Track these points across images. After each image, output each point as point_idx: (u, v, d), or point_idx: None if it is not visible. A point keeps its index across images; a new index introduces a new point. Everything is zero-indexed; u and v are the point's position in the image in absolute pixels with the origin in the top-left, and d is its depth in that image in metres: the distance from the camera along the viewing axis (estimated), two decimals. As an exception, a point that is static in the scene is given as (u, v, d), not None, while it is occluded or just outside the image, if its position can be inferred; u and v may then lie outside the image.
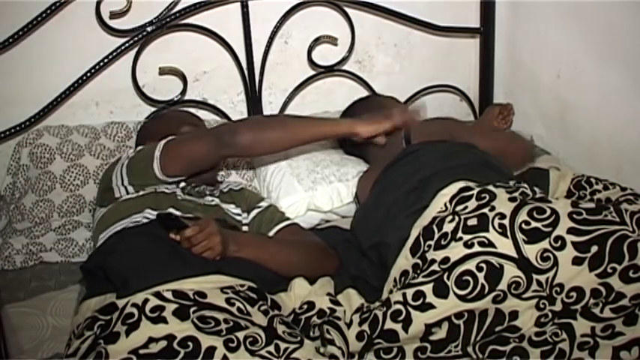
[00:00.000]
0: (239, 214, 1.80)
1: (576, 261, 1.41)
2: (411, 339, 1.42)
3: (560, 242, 1.42)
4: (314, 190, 2.03)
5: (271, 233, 1.76)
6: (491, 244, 1.44)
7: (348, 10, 2.36)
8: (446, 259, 1.45)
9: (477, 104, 2.63)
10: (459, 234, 1.48)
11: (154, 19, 2.16)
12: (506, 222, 1.47)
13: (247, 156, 1.93)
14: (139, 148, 1.79)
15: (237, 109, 2.40)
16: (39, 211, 1.99)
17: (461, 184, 1.61)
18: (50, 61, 2.14)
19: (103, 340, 1.29)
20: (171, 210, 1.63)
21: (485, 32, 2.53)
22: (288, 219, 1.82)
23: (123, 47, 2.14)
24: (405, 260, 1.56)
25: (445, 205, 1.58)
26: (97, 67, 2.13)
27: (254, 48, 2.29)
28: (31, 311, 1.70)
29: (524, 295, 1.40)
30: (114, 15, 2.11)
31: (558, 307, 1.41)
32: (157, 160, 1.67)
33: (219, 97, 2.38)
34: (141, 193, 1.68)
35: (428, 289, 1.42)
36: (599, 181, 1.76)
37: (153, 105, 2.26)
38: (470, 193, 1.57)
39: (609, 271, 1.40)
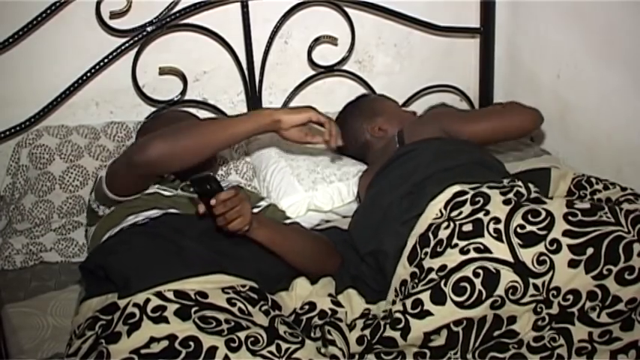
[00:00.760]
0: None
1: (572, 264, 1.41)
2: (409, 345, 1.43)
3: (555, 245, 1.42)
4: (314, 190, 2.03)
5: None
6: (487, 250, 1.44)
7: (348, 10, 2.36)
8: (443, 267, 1.45)
9: (477, 104, 2.63)
10: (455, 240, 1.48)
11: (154, 19, 2.16)
12: (501, 226, 1.46)
13: (166, 171, 1.62)
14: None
15: (237, 109, 2.40)
16: (39, 211, 1.99)
17: (455, 188, 1.60)
18: (50, 61, 2.14)
19: (105, 339, 1.29)
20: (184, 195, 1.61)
21: (485, 32, 2.53)
22: (288, 218, 1.82)
23: (123, 47, 2.14)
24: (403, 269, 1.55)
25: (440, 211, 1.57)
26: (97, 67, 2.13)
27: (254, 48, 2.29)
28: (31, 311, 1.70)
29: (522, 301, 1.40)
30: (114, 15, 2.11)
31: (555, 310, 1.41)
32: (104, 181, 1.62)
33: (219, 97, 2.38)
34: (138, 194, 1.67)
35: (425, 296, 1.42)
36: (600, 180, 1.76)
37: (153, 105, 2.26)
38: (464, 197, 1.56)
39: (605, 272, 1.39)
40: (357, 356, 1.45)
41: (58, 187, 2.01)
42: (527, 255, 1.42)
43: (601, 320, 1.39)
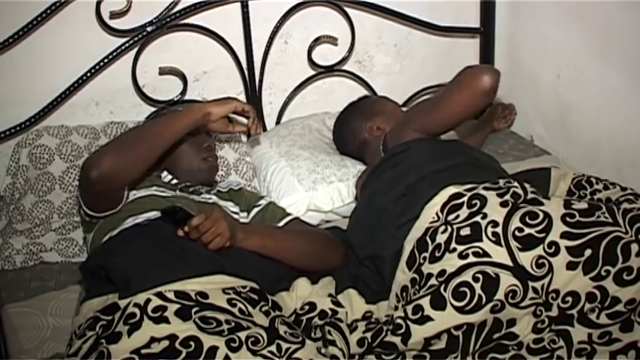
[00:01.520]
0: (236, 213, 1.80)
1: (570, 266, 1.41)
2: (410, 349, 1.43)
3: (554, 248, 1.42)
4: (314, 190, 2.03)
5: None
6: (485, 254, 1.44)
7: (348, 10, 2.36)
8: (442, 272, 1.45)
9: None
10: (453, 245, 1.48)
11: (154, 19, 2.16)
12: (499, 230, 1.46)
13: (122, 182, 1.59)
14: None
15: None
16: (39, 212, 1.99)
17: (451, 190, 1.59)
18: (50, 61, 2.14)
19: (105, 339, 1.29)
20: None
21: (485, 32, 2.53)
22: (289, 214, 1.82)
23: (123, 47, 2.14)
24: (402, 275, 1.55)
25: (437, 214, 1.57)
26: (97, 67, 2.13)
27: (254, 48, 2.29)
28: (32, 311, 1.70)
29: (522, 304, 1.40)
30: (114, 15, 2.10)
31: (554, 312, 1.41)
32: (81, 201, 1.64)
33: (219, 97, 2.37)
34: (137, 196, 1.68)
35: (425, 302, 1.42)
36: (600, 180, 1.76)
37: (153, 105, 2.26)
38: (461, 200, 1.56)
39: (603, 274, 1.40)
40: (357, 357, 1.45)
41: (57, 187, 2.01)
42: (526, 258, 1.41)
43: (600, 321, 1.40)
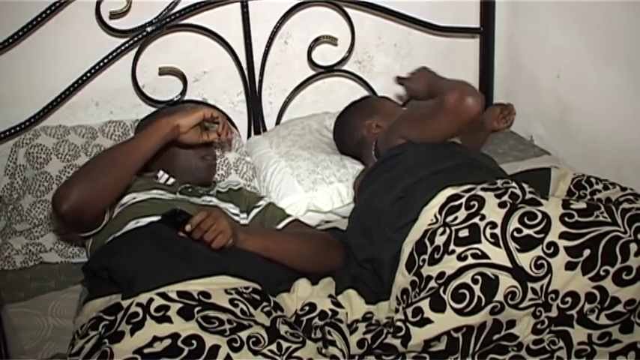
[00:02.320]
0: (237, 214, 1.80)
1: (569, 266, 1.41)
2: (409, 351, 1.43)
3: (552, 248, 1.42)
4: (314, 191, 2.03)
5: None
6: (484, 256, 1.44)
7: (348, 10, 2.36)
8: (441, 274, 1.45)
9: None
10: (451, 246, 1.47)
11: (154, 19, 2.16)
12: (497, 231, 1.46)
13: (94, 211, 1.55)
14: None
15: (237, 109, 2.40)
16: (37, 212, 1.98)
17: (448, 191, 1.59)
18: (50, 61, 2.14)
19: (108, 339, 1.29)
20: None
21: (485, 32, 2.53)
22: (289, 215, 1.82)
23: (123, 47, 2.14)
24: (402, 277, 1.55)
25: (435, 216, 1.57)
26: (97, 67, 2.13)
27: (254, 48, 2.29)
28: (32, 311, 1.70)
29: (521, 305, 1.40)
30: (114, 15, 2.10)
31: (554, 313, 1.41)
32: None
33: (219, 98, 2.38)
34: (138, 199, 1.67)
35: (425, 304, 1.42)
36: (600, 180, 1.76)
37: (153, 105, 2.25)
38: (459, 202, 1.56)
39: (602, 274, 1.40)
40: (356, 357, 1.45)
41: (55, 186, 1.99)
42: (525, 259, 1.42)
43: (600, 322, 1.40)
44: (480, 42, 2.56)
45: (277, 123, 2.43)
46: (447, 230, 1.51)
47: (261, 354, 1.29)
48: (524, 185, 1.58)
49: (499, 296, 1.39)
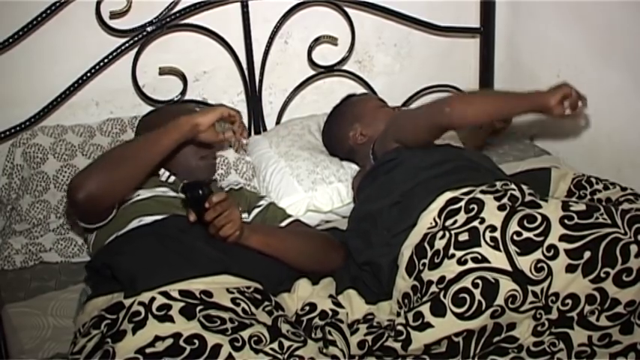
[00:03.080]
0: (239, 214, 1.80)
1: (570, 268, 1.41)
2: (410, 354, 1.43)
3: (552, 251, 1.42)
4: (314, 191, 2.03)
5: None
6: (484, 260, 1.43)
7: (348, 10, 2.36)
8: (442, 279, 1.44)
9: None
10: (451, 250, 1.47)
11: (154, 19, 2.16)
12: (497, 235, 1.45)
13: (109, 202, 1.57)
14: None
15: (237, 109, 2.39)
16: (36, 212, 1.98)
17: (447, 195, 1.59)
18: (50, 61, 2.13)
19: (111, 338, 1.29)
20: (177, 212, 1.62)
21: (485, 32, 2.53)
22: (290, 216, 1.83)
23: (123, 47, 2.14)
24: (403, 281, 1.55)
25: (434, 219, 1.56)
26: (97, 67, 2.12)
27: (254, 48, 2.29)
28: (32, 311, 1.70)
29: (522, 308, 1.40)
30: (114, 15, 2.10)
31: (554, 315, 1.41)
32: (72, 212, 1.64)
33: (219, 97, 2.37)
34: (142, 196, 1.68)
35: (425, 308, 1.42)
36: (600, 180, 1.76)
37: (153, 105, 2.25)
38: (458, 205, 1.55)
39: (602, 275, 1.40)
40: (356, 358, 1.45)
41: (52, 186, 2.00)
42: (525, 263, 1.41)
43: (600, 324, 1.40)
44: (480, 42, 2.56)
45: (277, 123, 2.43)
46: (447, 234, 1.51)
47: (263, 352, 1.30)
48: (524, 187, 1.58)
49: (499, 300, 1.39)
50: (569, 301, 1.40)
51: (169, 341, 1.27)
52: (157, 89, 2.26)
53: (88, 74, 2.13)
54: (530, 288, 1.40)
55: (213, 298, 1.37)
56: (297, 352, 1.33)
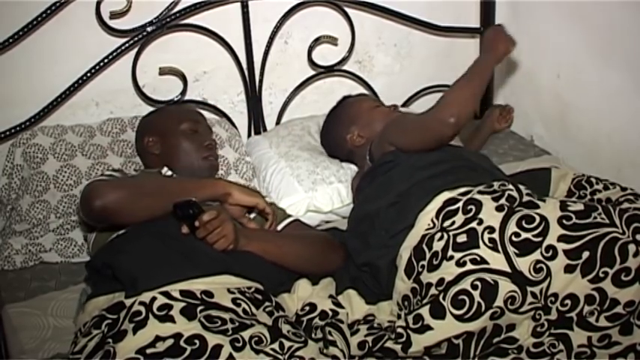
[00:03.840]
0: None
1: (568, 269, 1.41)
2: (410, 356, 1.43)
3: (551, 252, 1.42)
4: (314, 191, 2.03)
5: None
6: (483, 261, 1.43)
7: (348, 10, 2.36)
8: (441, 281, 1.44)
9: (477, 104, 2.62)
10: (450, 252, 1.47)
11: (154, 19, 2.16)
12: (496, 236, 1.45)
13: (117, 220, 1.56)
14: None
15: (237, 109, 2.40)
16: (36, 212, 1.98)
17: (445, 195, 1.58)
18: (50, 61, 2.13)
19: (112, 338, 1.29)
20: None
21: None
22: (289, 216, 1.83)
23: (123, 47, 2.14)
24: (402, 283, 1.54)
25: (432, 221, 1.56)
26: (97, 67, 2.12)
27: (254, 48, 2.29)
28: (32, 311, 1.70)
29: (521, 310, 1.40)
30: (114, 15, 2.10)
31: (554, 316, 1.41)
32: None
33: (219, 98, 2.38)
34: None
35: (425, 311, 1.42)
36: (600, 180, 1.76)
37: (153, 105, 2.25)
38: (456, 206, 1.55)
39: (601, 275, 1.40)
40: (357, 358, 1.45)
41: (52, 186, 1.99)
42: (523, 264, 1.41)
43: (600, 324, 1.39)
44: (480, 42, 2.56)
45: (277, 123, 2.43)
46: (445, 235, 1.50)
47: (264, 353, 1.30)
48: (521, 187, 1.57)
49: (499, 301, 1.39)
50: (568, 301, 1.40)
51: (170, 341, 1.27)
52: (157, 89, 2.26)
53: (88, 74, 2.13)
54: (529, 289, 1.40)
55: (214, 298, 1.37)
56: (298, 353, 1.33)
